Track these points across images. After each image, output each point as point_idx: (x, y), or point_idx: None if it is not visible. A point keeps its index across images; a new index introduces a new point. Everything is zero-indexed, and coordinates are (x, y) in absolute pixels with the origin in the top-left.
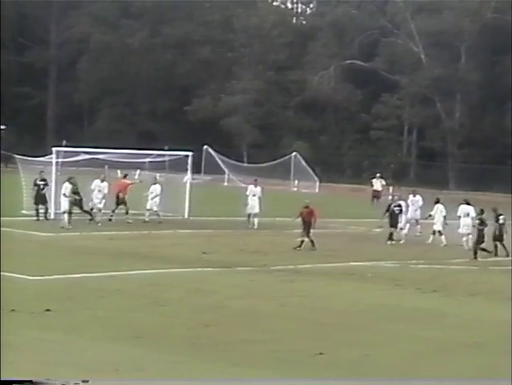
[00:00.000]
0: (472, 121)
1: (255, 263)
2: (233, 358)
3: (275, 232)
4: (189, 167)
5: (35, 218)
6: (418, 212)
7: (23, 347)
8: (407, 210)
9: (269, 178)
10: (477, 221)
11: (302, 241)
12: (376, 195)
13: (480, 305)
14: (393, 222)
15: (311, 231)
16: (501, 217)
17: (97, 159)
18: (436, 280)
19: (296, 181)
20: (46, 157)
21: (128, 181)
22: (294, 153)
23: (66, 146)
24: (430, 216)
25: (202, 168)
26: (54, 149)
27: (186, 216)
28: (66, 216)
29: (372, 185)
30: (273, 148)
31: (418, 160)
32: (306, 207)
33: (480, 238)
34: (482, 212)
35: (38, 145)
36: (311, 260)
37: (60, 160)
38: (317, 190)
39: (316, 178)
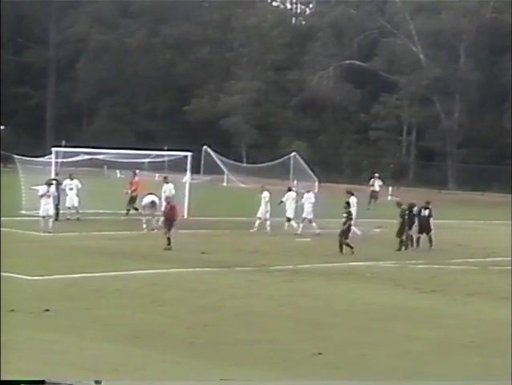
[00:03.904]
0: (471, 121)
1: (254, 263)
2: (232, 358)
3: (274, 232)
4: (188, 167)
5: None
6: (311, 209)
7: (22, 347)
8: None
9: (268, 178)
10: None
11: (169, 239)
12: (374, 195)
13: (479, 305)
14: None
15: (172, 228)
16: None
17: (96, 159)
18: (435, 280)
19: (295, 181)
20: (46, 157)
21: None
22: (293, 153)
23: (65, 146)
24: (282, 202)
25: (201, 169)
26: (53, 149)
27: (185, 216)
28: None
29: (372, 185)
30: (272, 148)
31: (417, 159)
32: (168, 203)
33: (402, 229)
34: (400, 204)
35: (37, 145)
36: (310, 260)
37: (60, 160)
38: (316, 190)
39: (315, 178)
